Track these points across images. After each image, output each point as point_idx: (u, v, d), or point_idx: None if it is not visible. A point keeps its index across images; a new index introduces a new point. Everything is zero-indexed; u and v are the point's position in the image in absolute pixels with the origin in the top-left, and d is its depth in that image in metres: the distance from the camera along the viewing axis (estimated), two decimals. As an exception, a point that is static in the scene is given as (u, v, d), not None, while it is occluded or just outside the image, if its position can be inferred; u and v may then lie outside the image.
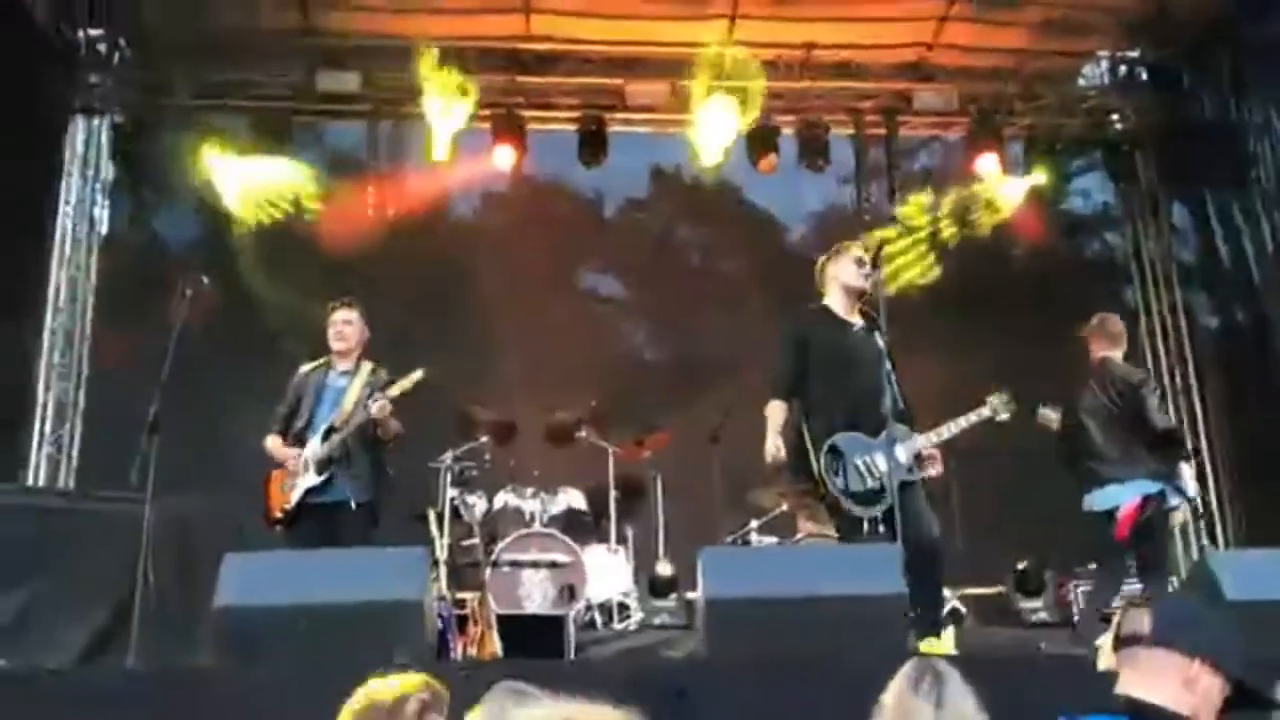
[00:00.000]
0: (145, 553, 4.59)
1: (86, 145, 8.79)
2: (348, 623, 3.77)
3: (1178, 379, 9.69)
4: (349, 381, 5.99)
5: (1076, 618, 7.08)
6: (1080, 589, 7.23)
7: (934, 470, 5.13)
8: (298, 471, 5.72)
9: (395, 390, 5.79)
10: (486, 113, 9.21)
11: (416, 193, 9.81)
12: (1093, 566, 7.46)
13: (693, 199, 11.30)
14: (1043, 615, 7.36)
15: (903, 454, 4.89)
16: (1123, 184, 10.13)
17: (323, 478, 5.68)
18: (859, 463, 4.89)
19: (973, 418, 5.14)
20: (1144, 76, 10.08)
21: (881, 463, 4.86)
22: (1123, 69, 10.09)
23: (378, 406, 5.72)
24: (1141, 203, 10.15)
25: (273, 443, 5.91)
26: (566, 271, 10.82)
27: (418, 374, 5.86)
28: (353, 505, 5.69)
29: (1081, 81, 10.13)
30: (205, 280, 5.47)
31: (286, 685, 3.59)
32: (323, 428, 5.81)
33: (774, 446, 5.04)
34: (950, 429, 5.12)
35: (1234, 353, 9.46)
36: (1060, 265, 10.92)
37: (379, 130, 9.49)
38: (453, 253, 10.03)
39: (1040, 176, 9.83)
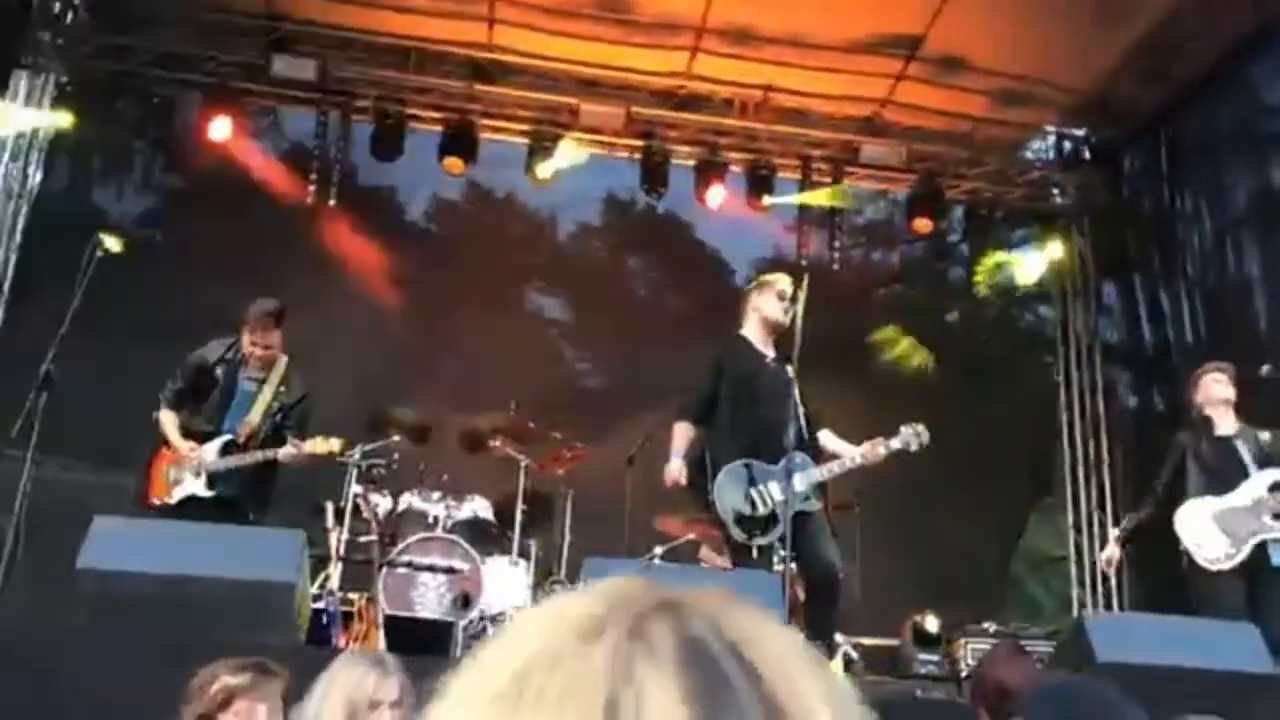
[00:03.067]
0: (20, 510, 4.48)
1: (27, 101, 8.62)
2: (215, 598, 3.70)
3: (1091, 453, 9.86)
4: (259, 388, 5.90)
5: (964, 674, 7.15)
6: (970, 646, 7.30)
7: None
8: (182, 477, 5.63)
9: (309, 447, 5.73)
10: (439, 115, 9.21)
11: (364, 188, 9.79)
12: (984, 625, 7.58)
13: (643, 229, 11.37)
14: (932, 669, 7.42)
15: (800, 483, 4.91)
16: (1055, 260, 10.29)
17: (212, 493, 5.62)
18: (753, 491, 4.93)
19: (881, 450, 5.14)
20: (1086, 156, 10.33)
21: (776, 492, 4.89)
22: (1067, 145, 10.34)
23: (285, 452, 5.67)
24: (1074, 279, 10.36)
25: (170, 422, 5.75)
26: (512, 287, 10.82)
27: (336, 444, 5.82)
28: (240, 505, 5.66)
29: (1027, 154, 10.35)
30: (113, 242, 5.38)
31: (143, 653, 3.52)
32: (224, 439, 5.73)
33: (676, 467, 5.07)
34: (858, 458, 5.11)
35: (1148, 434, 9.66)
36: (992, 331, 11.16)
37: (330, 121, 9.45)
38: (398, 252, 9.98)
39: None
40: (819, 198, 9.69)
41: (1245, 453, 5.70)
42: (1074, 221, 10.25)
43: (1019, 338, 11.62)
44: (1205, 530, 5.53)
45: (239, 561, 3.79)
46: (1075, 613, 9.57)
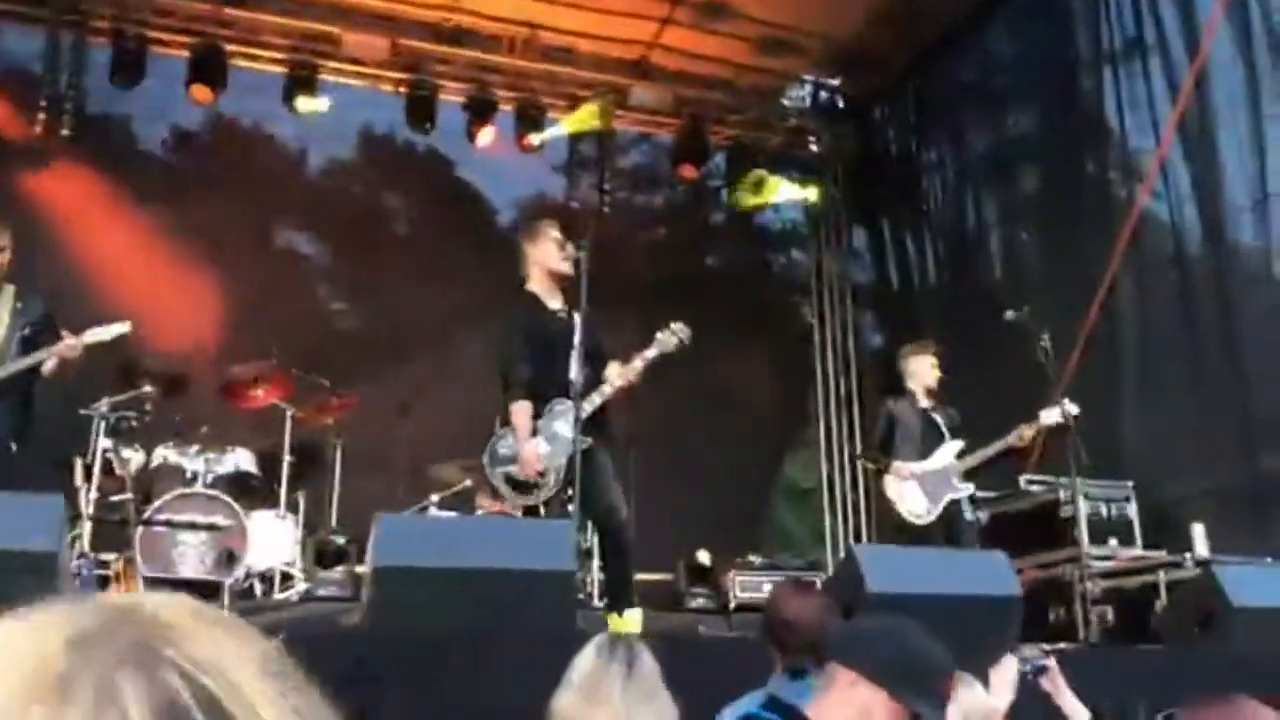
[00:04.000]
0: None
1: None
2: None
3: (841, 389, 10.45)
4: None
5: (732, 605, 7.46)
6: (738, 579, 7.59)
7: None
8: None
9: (90, 337, 5.22)
10: (185, 40, 8.57)
11: (95, 118, 8.99)
12: (750, 558, 7.92)
13: (402, 166, 11.00)
14: (704, 602, 7.69)
15: (564, 428, 4.81)
16: (811, 204, 10.73)
17: None
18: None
19: (639, 363, 5.04)
20: (840, 105, 10.78)
21: (542, 446, 4.85)
22: (823, 95, 10.75)
23: (66, 345, 5.12)
24: (827, 224, 10.85)
25: None
26: (260, 224, 10.24)
27: (123, 326, 5.31)
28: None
29: (785, 102, 10.69)
30: None
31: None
32: None
33: (540, 448, 4.86)
34: (616, 381, 5.01)
35: (894, 372, 10.29)
36: (749, 274, 11.55)
37: (60, 42, 8.60)
38: (135, 188, 9.25)
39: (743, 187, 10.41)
40: (581, 119, 9.62)
41: (942, 423, 6.44)
42: (828, 169, 10.70)
43: (774, 280, 12.06)
44: (908, 489, 6.28)
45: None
46: (826, 541, 10.16)
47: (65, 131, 8.47)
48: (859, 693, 2.32)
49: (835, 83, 10.64)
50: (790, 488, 11.13)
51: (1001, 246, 9.35)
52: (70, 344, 5.11)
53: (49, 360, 5.13)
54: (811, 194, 10.50)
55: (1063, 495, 6.53)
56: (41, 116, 8.40)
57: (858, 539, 9.91)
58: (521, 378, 4.94)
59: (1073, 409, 6.01)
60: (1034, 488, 6.92)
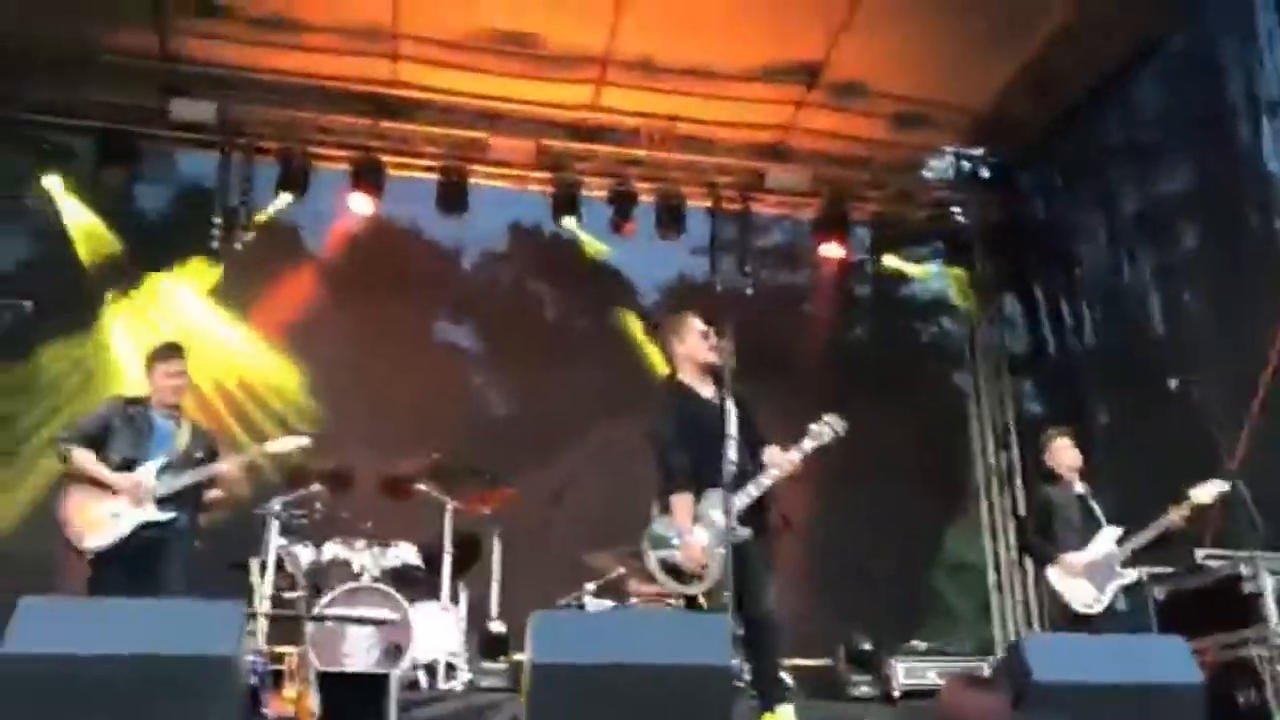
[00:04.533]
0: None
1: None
2: (153, 678, 3.56)
3: (1003, 463, 10.14)
4: (175, 428, 5.79)
5: (897, 693, 7.25)
6: (901, 665, 7.37)
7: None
8: (119, 509, 5.46)
9: (272, 447, 5.66)
10: (344, 154, 9.09)
11: (266, 229, 9.56)
12: (915, 643, 7.68)
13: (550, 257, 11.32)
14: (866, 689, 7.49)
15: (721, 517, 4.77)
16: (960, 274, 10.58)
17: (168, 515, 5.50)
18: (677, 540, 4.86)
19: (795, 455, 5.05)
20: (984, 174, 10.63)
21: (704, 538, 4.84)
22: (966, 165, 10.63)
23: (254, 453, 5.61)
24: (977, 293, 10.66)
25: (90, 459, 5.51)
26: (418, 321, 10.67)
27: (303, 440, 5.74)
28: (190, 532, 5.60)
29: (927, 174, 10.61)
30: (27, 306, 5.22)
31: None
32: (157, 463, 5.58)
33: (705, 542, 4.84)
34: (771, 474, 5.00)
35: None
36: (898, 347, 11.40)
37: (231, 162, 9.24)
38: (303, 293, 9.78)
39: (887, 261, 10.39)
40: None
41: (1098, 509, 6.35)
42: (975, 238, 10.54)
43: (925, 352, 11.86)
44: (1075, 581, 6.15)
45: (176, 635, 3.64)
46: (994, 618, 9.79)
47: (238, 245, 9.03)
48: None
49: (977, 152, 10.51)
50: (952, 564, 10.81)
51: (1162, 307, 8.98)
52: (257, 452, 5.62)
53: (212, 491, 5.55)
54: (959, 265, 10.37)
55: (1244, 570, 6.15)
56: (216, 232, 8.98)
57: (1026, 615, 9.53)
58: (681, 468, 4.98)
59: (1223, 485, 5.78)
60: (1212, 563, 6.55)
